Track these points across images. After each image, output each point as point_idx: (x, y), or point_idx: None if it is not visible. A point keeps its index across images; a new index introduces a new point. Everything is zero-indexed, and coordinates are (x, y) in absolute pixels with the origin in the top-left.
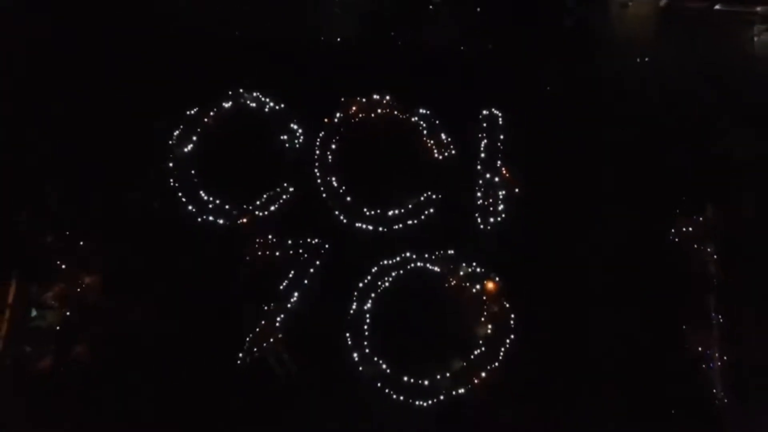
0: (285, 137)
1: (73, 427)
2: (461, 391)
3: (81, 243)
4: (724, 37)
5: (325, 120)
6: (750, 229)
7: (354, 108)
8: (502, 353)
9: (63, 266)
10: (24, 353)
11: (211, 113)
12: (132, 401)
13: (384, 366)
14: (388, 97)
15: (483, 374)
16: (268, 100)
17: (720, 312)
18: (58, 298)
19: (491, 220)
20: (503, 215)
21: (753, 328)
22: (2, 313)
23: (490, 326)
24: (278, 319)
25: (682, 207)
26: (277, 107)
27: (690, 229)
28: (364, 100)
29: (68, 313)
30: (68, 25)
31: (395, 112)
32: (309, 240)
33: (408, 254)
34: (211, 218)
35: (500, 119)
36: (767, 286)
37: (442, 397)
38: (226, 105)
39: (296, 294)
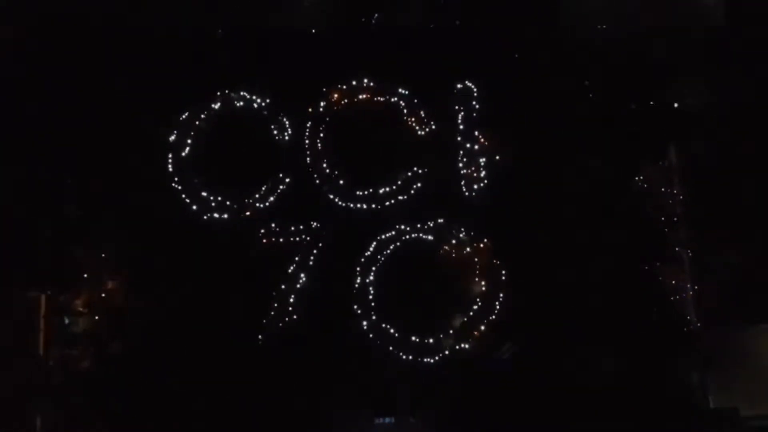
0: (275, 130)
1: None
2: (464, 345)
3: (99, 250)
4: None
5: (310, 110)
6: (709, 169)
7: (336, 95)
8: (497, 306)
9: (86, 274)
10: (64, 357)
11: (202, 116)
12: (166, 391)
13: (392, 330)
14: (366, 81)
15: (482, 327)
16: (254, 96)
17: (688, 246)
18: (85, 304)
19: (475, 186)
20: (486, 181)
21: (718, 258)
22: (38, 325)
23: (483, 283)
24: (290, 299)
25: (646, 154)
26: (263, 102)
27: (655, 173)
28: (344, 87)
29: (97, 317)
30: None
31: (375, 95)
32: (309, 224)
33: (402, 227)
34: (215, 215)
35: (474, 91)
36: (729, 220)
37: (447, 353)
38: (215, 106)
39: (303, 275)
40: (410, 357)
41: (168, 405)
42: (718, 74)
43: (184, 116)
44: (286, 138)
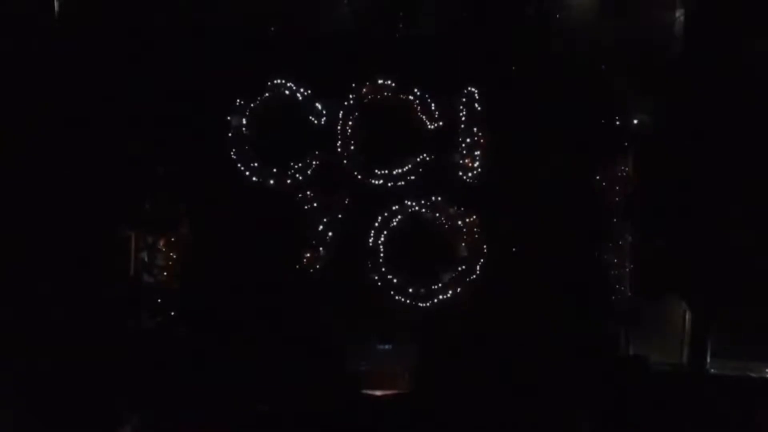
0: (312, 116)
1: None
2: (450, 294)
3: (175, 203)
4: (651, 19)
5: (343, 101)
6: (652, 175)
7: (364, 90)
8: (478, 269)
9: (164, 221)
10: (149, 283)
11: (256, 101)
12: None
13: (395, 281)
14: (389, 81)
15: (465, 282)
16: (297, 87)
17: (630, 234)
18: (164, 244)
19: (469, 174)
20: (479, 170)
21: (650, 245)
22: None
23: (468, 250)
24: (320, 250)
25: (605, 158)
26: (305, 92)
27: (611, 175)
28: (371, 84)
29: (172, 254)
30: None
31: (395, 93)
32: (336, 193)
33: (408, 202)
34: (263, 180)
35: (476, 95)
36: (661, 215)
37: (436, 300)
38: (267, 94)
39: (330, 233)
40: (408, 301)
41: (220, 321)
42: (672, 94)
43: (240, 102)
44: (322, 123)
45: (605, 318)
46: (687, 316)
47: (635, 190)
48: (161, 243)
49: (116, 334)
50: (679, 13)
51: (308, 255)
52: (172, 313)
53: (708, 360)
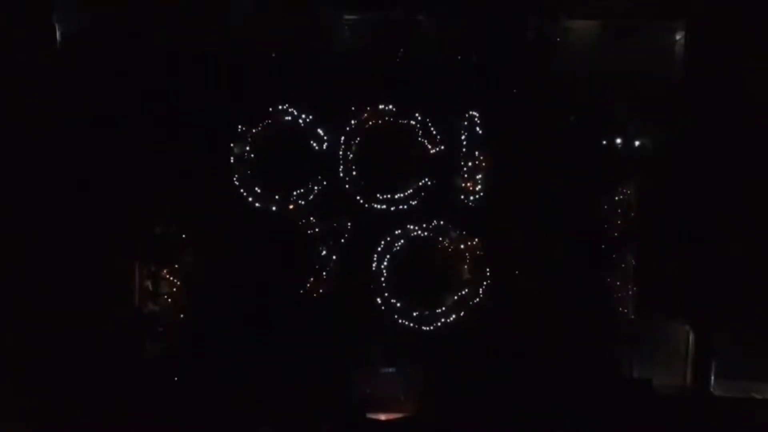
0: (314, 141)
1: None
2: (453, 318)
3: (177, 231)
4: (650, 46)
5: (344, 126)
6: (655, 200)
7: (365, 115)
8: (481, 292)
9: (167, 250)
10: (153, 311)
11: (258, 127)
12: (221, 334)
13: (398, 304)
14: (390, 106)
15: (469, 306)
16: (299, 113)
17: (633, 257)
18: (168, 272)
19: (471, 197)
20: (481, 194)
21: (653, 268)
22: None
23: (470, 273)
24: (323, 276)
25: (608, 182)
26: (307, 118)
27: (614, 199)
28: (372, 109)
29: (176, 282)
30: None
31: (396, 118)
32: (339, 218)
33: (411, 226)
34: (265, 206)
35: (477, 120)
36: (664, 240)
37: (440, 324)
38: (269, 119)
39: (333, 257)
40: (411, 325)
41: (222, 344)
42: (672, 119)
43: (243, 127)
44: (324, 148)
45: (608, 341)
46: (690, 338)
47: (637, 214)
48: (165, 271)
49: (122, 363)
50: (679, 36)
51: (312, 280)
52: (177, 341)
53: (712, 381)
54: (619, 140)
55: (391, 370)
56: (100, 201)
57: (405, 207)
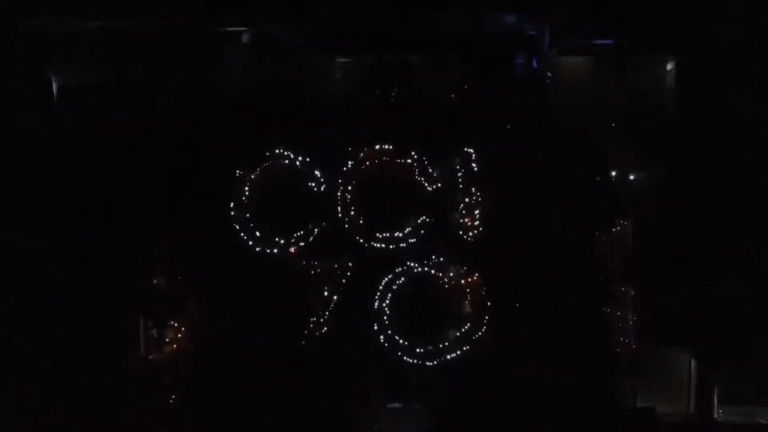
0: (312, 183)
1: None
2: (457, 353)
3: (178, 279)
4: (641, 76)
5: (341, 168)
6: (652, 232)
7: (362, 156)
8: (483, 326)
9: (169, 297)
10: (158, 360)
11: (256, 171)
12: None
13: (401, 341)
14: (387, 146)
15: (471, 340)
16: (295, 155)
17: (633, 287)
18: (172, 319)
19: (470, 233)
20: (480, 229)
21: (654, 297)
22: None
23: (473, 309)
24: (325, 316)
25: (606, 217)
26: (304, 160)
27: (613, 232)
28: (368, 149)
29: (180, 328)
30: None
31: (393, 157)
32: (339, 259)
33: (411, 263)
34: (266, 249)
35: (473, 156)
36: (663, 271)
37: (444, 359)
38: (266, 164)
39: (335, 297)
40: (415, 361)
41: (225, 393)
42: (666, 150)
43: (240, 172)
44: (322, 190)
45: (610, 371)
46: (692, 364)
47: (635, 245)
48: (170, 320)
49: (130, 414)
50: (670, 67)
51: (314, 320)
52: (185, 390)
53: (716, 407)
54: (614, 173)
55: (396, 406)
56: (98, 253)
57: (404, 245)
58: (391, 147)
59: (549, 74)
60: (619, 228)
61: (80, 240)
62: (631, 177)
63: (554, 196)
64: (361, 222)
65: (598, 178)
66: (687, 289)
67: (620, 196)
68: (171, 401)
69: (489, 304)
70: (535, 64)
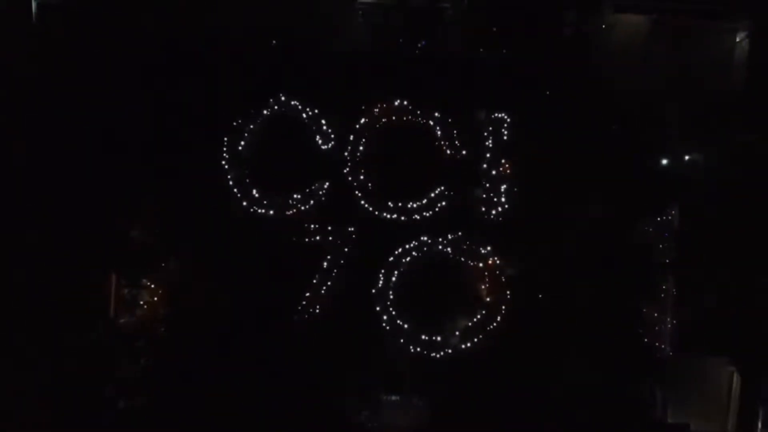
0: (320, 139)
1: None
2: (466, 346)
3: (160, 236)
4: (707, 46)
5: (355, 125)
6: (703, 227)
7: (377, 112)
8: (498, 317)
9: (147, 257)
10: (130, 322)
11: (257, 121)
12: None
13: (405, 326)
14: (406, 102)
15: (484, 333)
16: (303, 106)
17: (673, 287)
18: (148, 280)
19: (493, 211)
20: (505, 206)
21: (695, 300)
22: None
23: (489, 295)
24: (322, 290)
25: (651, 207)
26: (312, 112)
27: (654, 222)
28: (385, 105)
29: (157, 291)
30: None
31: (412, 116)
32: (344, 227)
33: (424, 238)
34: (261, 211)
35: (506, 122)
36: (710, 270)
37: (451, 351)
38: (267, 112)
39: (335, 271)
40: (419, 350)
41: (207, 365)
42: (728, 133)
43: (239, 120)
44: (329, 147)
45: (641, 379)
46: (735, 379)
47: (680, 238)
48: (147, 279)
49: (97, 381)
50: (740, 38)
51: (309, 295)
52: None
53: (759, 429)
54: (664, 154)
55: (394, 398)
56: (72, 198)
57: (418, 217)
58: (410, 105)
59: (600, 35)
60: (664, 217)
61: (51, 179)
62: (684, 159)
63: (593, 176)
64: (371, 187)
65: (645, 159)
66: (736, 291)
67: (669, 180)
68: (138, 372)
69: (507, 292)
70: (584, 20)
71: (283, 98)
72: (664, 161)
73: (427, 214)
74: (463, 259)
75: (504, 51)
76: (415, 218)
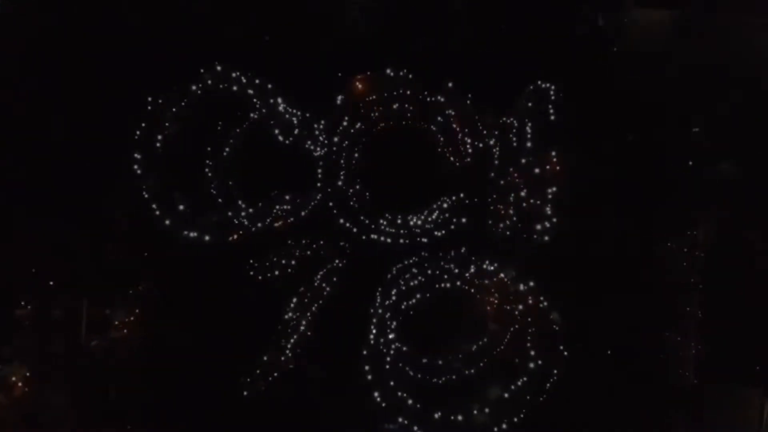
0: (310, 144)
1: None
2: (471, 371)
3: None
4: (742, 44)
5: (350, 129)
6: (732, 244)
7: (374, 115)
8: (504, 342)
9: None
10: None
11: (241, 125)
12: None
13: (404, 348)
14: (406, 105)
15: (490, 356)
16: (291, 107)
17: (699, 310)
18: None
19: (502, 224)
20: (513, 218)
21: (727, 324)
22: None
23: (496, 318)
24: (315, 307)
25: (677, 222)
26: (302, 115)
27: (683, 241)
28: (384, 108)
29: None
30: None
31: (414, 120)
32: (336, 241)
33: (425, 254)
34: (248, 221)
35: (514, 126)
36: (740, 293)
37: (453, 376)
38: (254, 116)
39: (327, 290)
40: (419, 375)
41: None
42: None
43: (221, 124)
44: (321, 153)
45: (661, 409)
46: (766, 409)
47: (711, 253)
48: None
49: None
50: None
51: (298, 315)
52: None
53: None
54: (692, 162)
55: (391, 427)
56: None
57: (419, 231)
58: (410, 106)
59: (620, 30)
60: (691, 232)
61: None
62: (713, 168)
63: (612, 185)
64: (367, 198)
65: (670, 166)
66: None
67: (699, 190)
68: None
69: (516, 314)
70: (601, 18)
71: (270, 101)
72: (692, 170)
73: (429, 227)
74: (466, 277)
75: (511, 46)
76: (416, 232)
